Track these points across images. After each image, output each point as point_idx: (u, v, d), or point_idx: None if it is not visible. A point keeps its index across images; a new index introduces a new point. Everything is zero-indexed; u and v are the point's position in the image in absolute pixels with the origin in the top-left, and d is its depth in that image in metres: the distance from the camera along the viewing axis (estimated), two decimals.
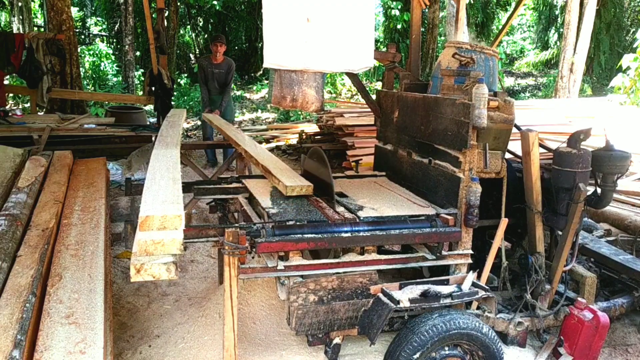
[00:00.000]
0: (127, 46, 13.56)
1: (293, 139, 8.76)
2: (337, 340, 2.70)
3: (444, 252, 2.86)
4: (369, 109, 4.26)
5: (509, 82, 16.42)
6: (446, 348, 2.62)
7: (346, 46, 2.83)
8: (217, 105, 7.08)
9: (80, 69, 10.57)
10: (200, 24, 18.71)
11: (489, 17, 15.75)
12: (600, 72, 15.17)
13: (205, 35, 18.42)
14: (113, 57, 14.74)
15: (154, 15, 7.54)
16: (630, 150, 3.19)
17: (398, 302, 2.52)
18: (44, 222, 2.69)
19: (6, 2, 15.12)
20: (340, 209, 2.91)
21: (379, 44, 14.85)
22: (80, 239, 2.57)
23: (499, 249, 3.01)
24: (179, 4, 15.23)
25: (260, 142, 8.28)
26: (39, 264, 2.23)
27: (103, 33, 17.43)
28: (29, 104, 10.18)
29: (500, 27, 15.09)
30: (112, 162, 6.33)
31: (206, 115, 6.74)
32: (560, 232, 3.12)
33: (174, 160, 3.06)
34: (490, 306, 2.98)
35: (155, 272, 2.03)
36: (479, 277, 2.91)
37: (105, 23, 17.52)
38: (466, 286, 2.76)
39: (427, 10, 12.28)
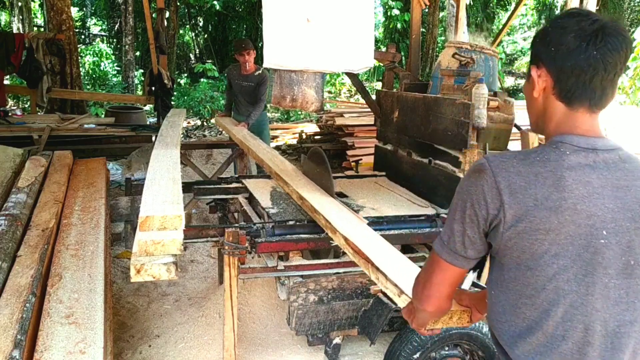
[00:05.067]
0: (127, 46, 13.55)
1: (293, 139, 8.76)
2: (337, 340, 2.70)
3: None
4: (369, 109, 4.26)
5: (509, 82, 16.41)
6: (446, 348, 2.62)
7: (346, 46, 2.82)
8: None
9: (80, 69, 10.57)
10: (200, 24, 18.70)
11: (489, 17, 15.73)
12: None
13: (205, 35, 18.40)
14: (113, 57, 14.73)
15: (154, 15, 7.54)
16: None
17: None
18: (44, 222, 2.69)
19: (6, 2, 15.12)
20: None
21: (379, 44, 14.83)
22: (80, 239, 2.57)
23: None
24: (179, 4, 15.22)
25: None
26: (39, 264, 2.23)
27: (103, 33, 17.42)
28: (29, 104, 10.18)
29: (500, 27, 15.11)
30: (112, 162, 6.33)
31: (218, 119, 5.71)
32: None
33: (174, 160, 3.07)
34: None
35: (155, 272, 2.03)
36: (479, 277, 2.91)
37: (105, 23, 17.52)
38: (466, 286, 2.75)
39: (427, 10, 12.27)
